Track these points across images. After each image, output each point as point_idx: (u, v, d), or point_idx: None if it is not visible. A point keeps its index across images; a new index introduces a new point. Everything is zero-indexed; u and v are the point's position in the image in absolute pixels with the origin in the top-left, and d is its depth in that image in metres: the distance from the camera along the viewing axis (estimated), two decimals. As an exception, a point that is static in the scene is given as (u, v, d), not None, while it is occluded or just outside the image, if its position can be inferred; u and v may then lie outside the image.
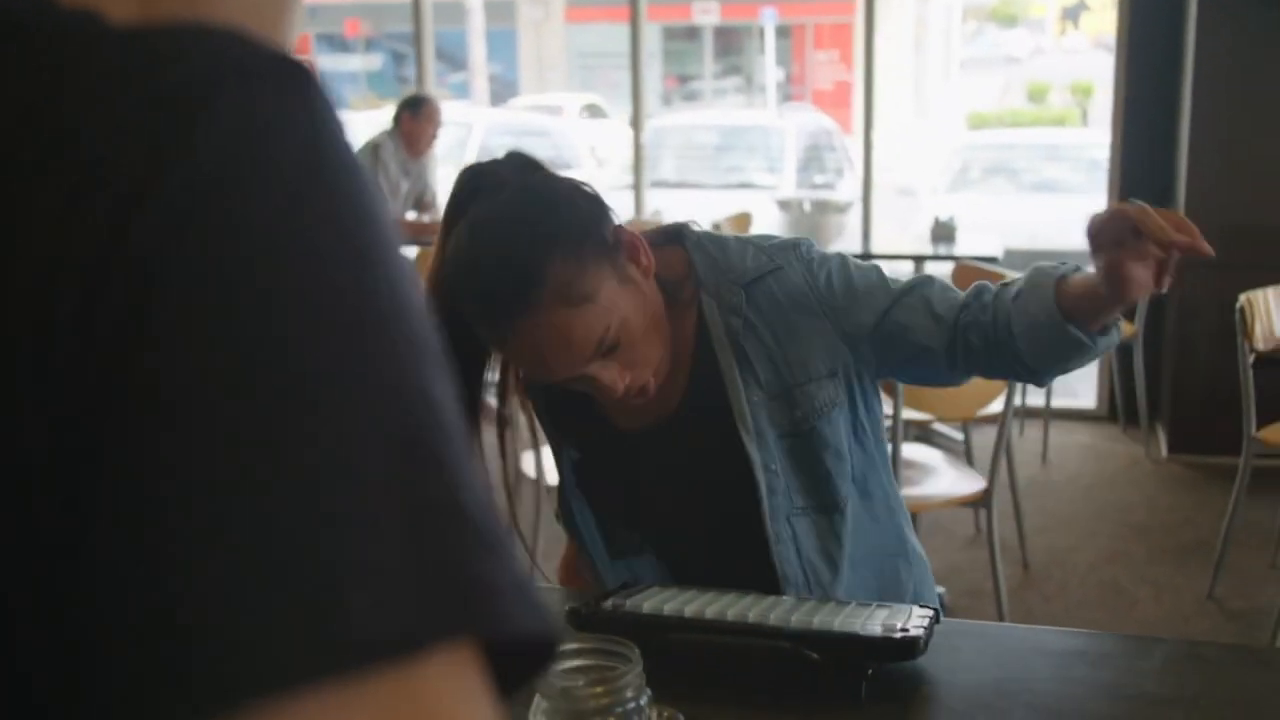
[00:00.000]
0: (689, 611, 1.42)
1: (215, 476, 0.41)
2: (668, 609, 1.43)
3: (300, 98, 0.47)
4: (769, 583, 1.65)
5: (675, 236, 1.73)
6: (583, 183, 1.60)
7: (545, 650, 0.45)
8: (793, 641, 1.36)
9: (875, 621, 1.39)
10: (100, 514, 0.41)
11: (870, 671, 1.35)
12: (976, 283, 1.64)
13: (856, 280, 1.68)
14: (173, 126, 0.44)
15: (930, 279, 1.67)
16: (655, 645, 1.33)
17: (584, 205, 1.56)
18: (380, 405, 0.44)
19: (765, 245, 1.71)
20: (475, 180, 1.57)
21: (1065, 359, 1.57)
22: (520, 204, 1.54)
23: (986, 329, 1.58)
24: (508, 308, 1.51)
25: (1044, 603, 4.11)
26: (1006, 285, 1.60)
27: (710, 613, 1.42)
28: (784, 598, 1.51)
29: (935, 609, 1.45)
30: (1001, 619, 3.59)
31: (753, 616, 1.41)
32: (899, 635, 1.34)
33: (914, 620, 1.39)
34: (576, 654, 1.19)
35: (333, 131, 0.47)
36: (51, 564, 0.42)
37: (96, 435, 0.41)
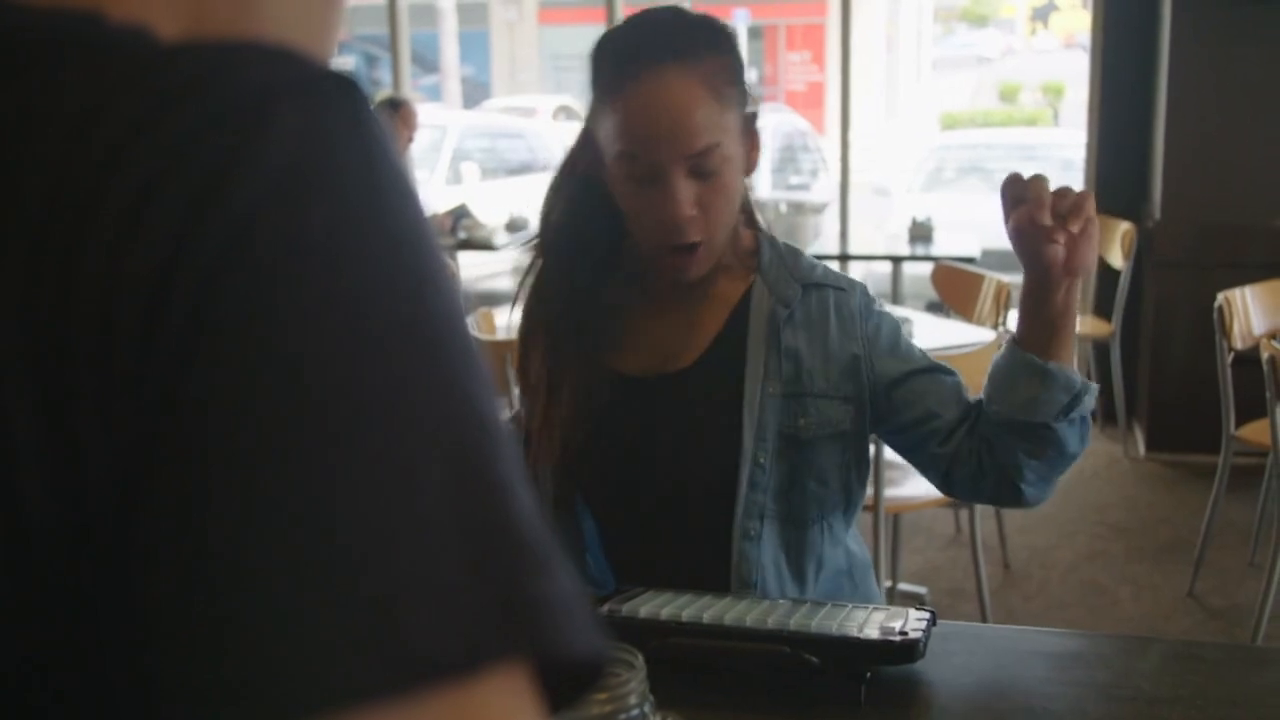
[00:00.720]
0: (687, 616, 1.41)
1: (273, 495, 0.41)
2: (665, 613, 1.42)
3: (351, 113, 0.47)
4: (715, 573, 1.63)
5: (753, 221, 1.75)
6: None
7: (595, 669, 0.45)
8: (792, 645, 1.35)
9: (873, 624, 1.38)
10: (158, 531, 0.41)
11: (869, 675, 1.35)
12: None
13: (901, 338, 1.70)
14: (230, 144, 0.44)
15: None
16: (653, 649, 1.33)
17: (745, 71, 1.62)
18: (436, 425, 0.44)
19: (835, 271, 1.74)
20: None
21: (1035, 405, 1.60)
22: (708, 16, 1.61)
23: (981, 415, 1.65)
24: (661, 48, 1.53)
25: (1024, 602, 4.12)
26: None
27: (708, 617, 1.41)
28: (780, 601, 1.50)
29: (932, 611, 1.45)
30: (984, 618, 3.60)
31: (751, 620, 1.40)
32: (898, 638, 1.34)
33: (912, 623, 1.38)
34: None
35: (384, 147, 0.48)
36: (105, 573, 0.42)
37: (155, 448, 0.42)
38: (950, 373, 1.70)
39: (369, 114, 0.48)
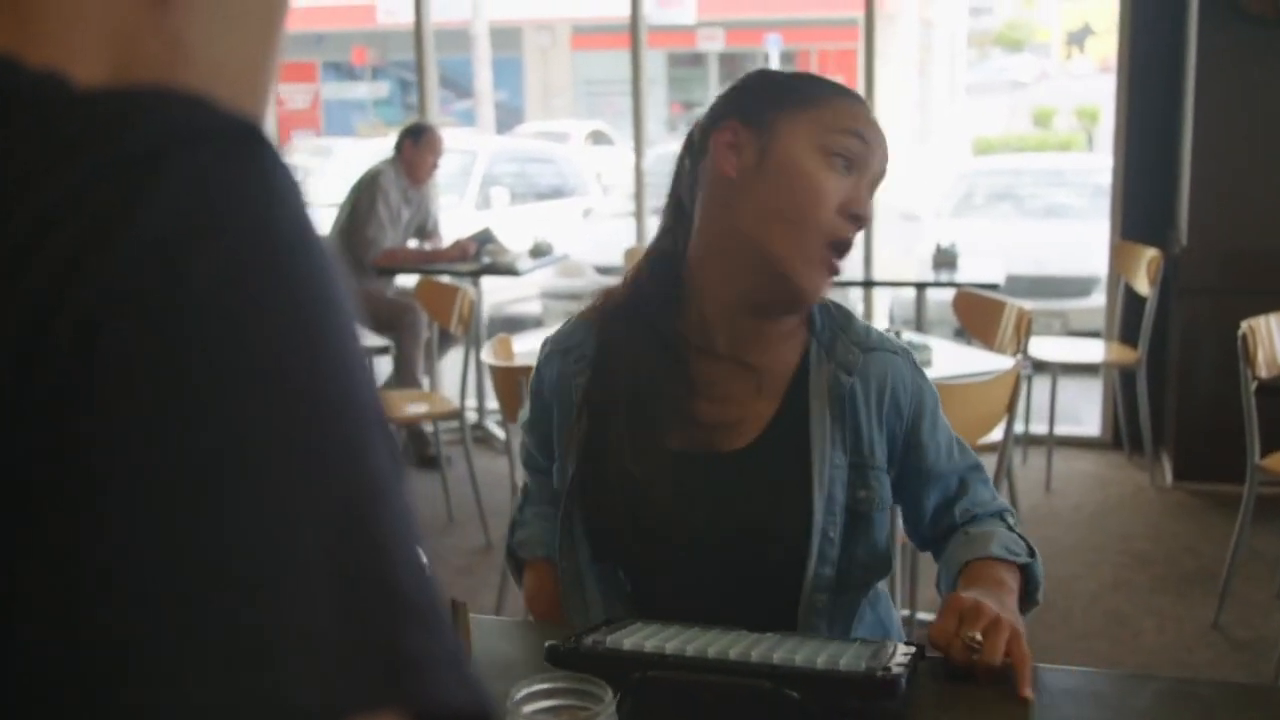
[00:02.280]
0: (670, 648, 1.39)
1: (146, 544, 0.41)
2: (649, 646, 1.40)
3: (254, 163, 0.47)
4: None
5: None
6: None
7: None
8: (773, 680, 1.33)
9: (859, 659, 1.36)
10: (32, 581, 0.41)
11: (851, 710, 1.33)
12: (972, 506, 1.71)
13: (941, 418, 1.72)
14: (121, 193, 0.44)
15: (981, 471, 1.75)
16: (635, 682, 1.31)
17: None
18: (319, 479, 0.44)
19: (884, 334, 1.74)
20: None
21: None
22: None
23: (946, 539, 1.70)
24: (858, 97, 1.68)
25: (1046, 632, 4.07)
26: (970, 529, 1.68)
27: (691, 650, 1.39)
28: (767, 634, 1.47)
29: (919, 646, 1.42)
30: (1003, 649, 3.55)
31: (734, 654, 1.38)
32: (880, 674, 1.31)
33: (897, 658, 1.36)
34: (548, 694, 1.17)
35: (286, 197, 0.47)
36: None
37: (29, 503, 0.41)
38: (966, 471, 1.72)
39: (272, 163, 0.47)
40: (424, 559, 0.47)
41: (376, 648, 0.42)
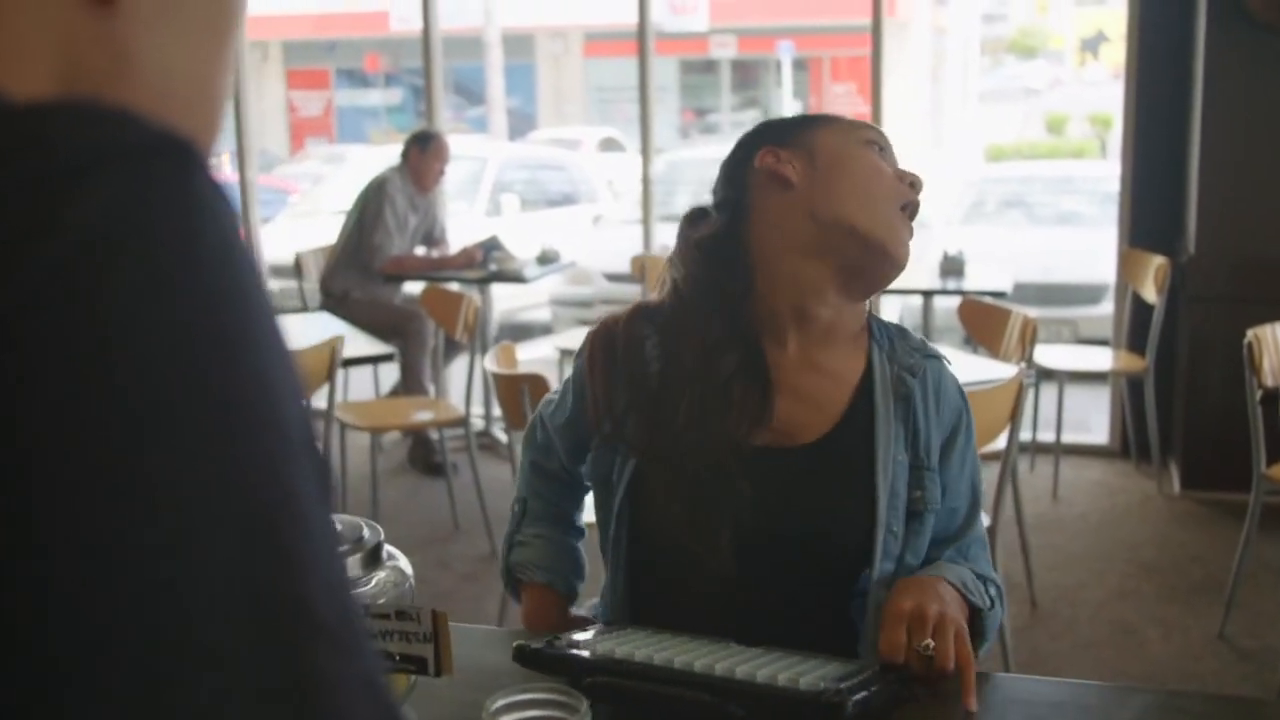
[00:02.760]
0: (638, 656, 1.37)
1: (56, 563, 0.40)
2: (619, 652, 1.38)
3: (178, 180, 0.47)
4: (841, 638, 1.61)
5: None
6: None
7: None
8: (714, 694, 1.30)
9: (822, 679, 1.31)
10: None
11: None
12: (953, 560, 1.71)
13: (971, 445, 1.74)
14: (41, 208, 0.43)
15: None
16: (586, 686, 1.29)
17: None
18: (230, 496, 0.44)
19: (931, 344, 1.79)
20: None
21: None
22: None
23: None
24: None
25: (1051, 641, 4.06)
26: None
27: (659, 659, 1.36)
28: (753, 649, 1.44)
29: (903, 672, 1.39)
30: (1006, 658, 3.54)
31: (699, 666, 1.34)
32: (826, 695, 1.27)
33: (860, 679, 1.32)
34: (524, 705, 1.17)
35: (211, 214, 0.47)
36: None
37: None
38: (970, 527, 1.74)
39: (198, 180, 0.47)
40: (347, 578, 0.47)
41: (282, 669, 0.42)
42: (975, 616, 1.59)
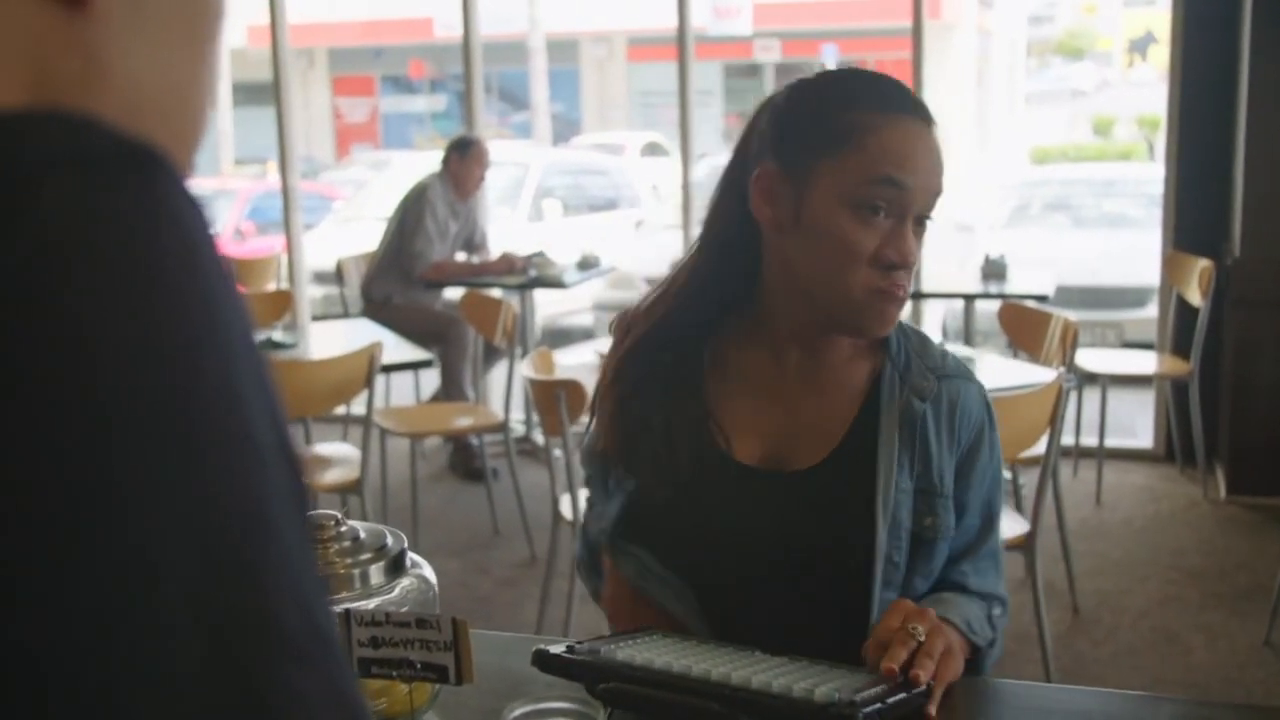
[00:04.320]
0: (657, 664, 1.35)
1: (6, 585, 0.40)
2: (638, 659, 1.36)
3: (138, 188, 0.45)
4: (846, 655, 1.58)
5: None
6: None
7: None
8: (724, 702, 1.28)
9: (836, 691, 1.28)
10: None
11: None
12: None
13: (995, 464, 1.68)
14: None
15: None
16: (599, 692, 1.29)
17: None
18: (192, 512, 0.43)
19: (960, 361, 1.71)
20: None
21: None
22: None
23: None
24: (915, 104, 1.57)
25: (1093, 648, 4.02)
26: (945, 594, 1.64)
27: (678, 667, 1.34)
28: (776, 657, 1.43)
29: (923, 686, 1.36)
30: (1046, 665, 3.51)
31: (715, 675, 1.33)
32: (836, 706, 1.24)
33: (876, 691, 1.30)
34: (542, 714, 1.17)
35: (174, 223, 0.46)
36: None
37: None
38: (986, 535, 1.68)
39: (163, 188, 0.46)
40: (321, 590, 0.46)
41: (248, 684, 0.42)
42: (974, 654, 1.57)
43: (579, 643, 1.42)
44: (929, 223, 1.58)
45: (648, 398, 1.66)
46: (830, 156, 1.54)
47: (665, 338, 1.67)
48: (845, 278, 1.55)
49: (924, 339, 1.69)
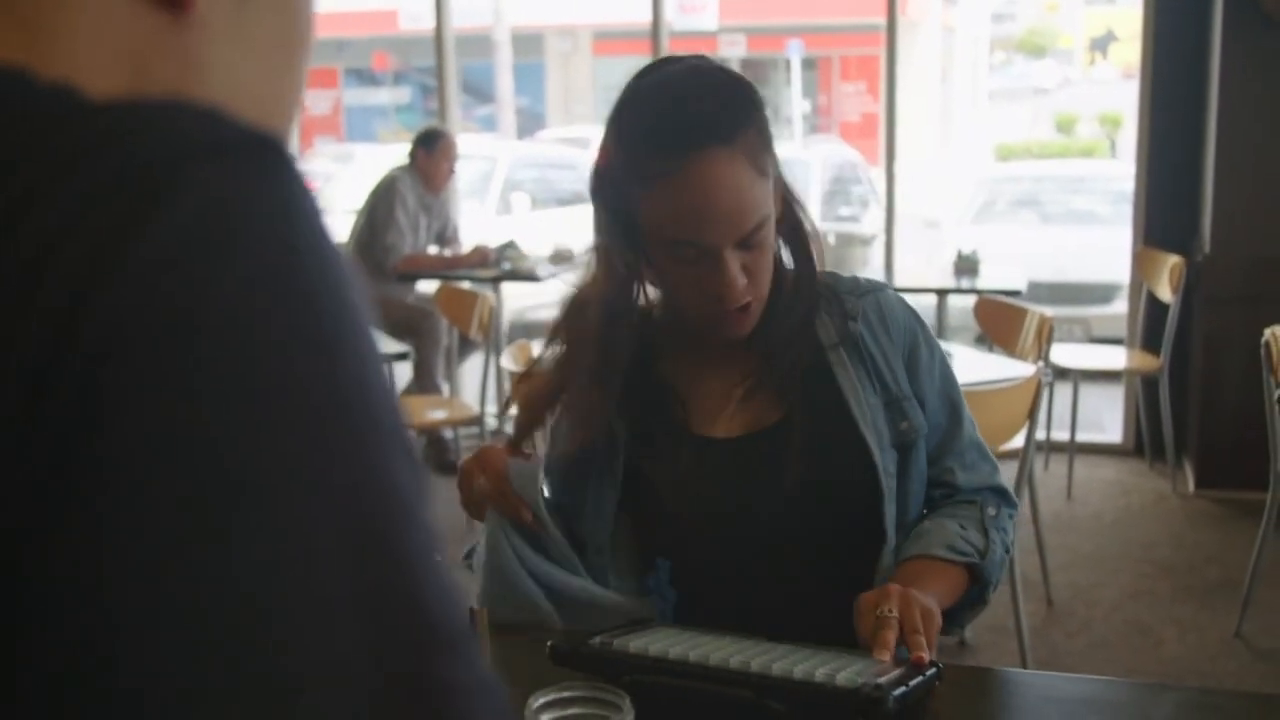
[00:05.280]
0: (673, 654, 1.36)
1: (157, 575, 0.39)
2: (653, 650, 1.37)
3: (271, 175, 0.46)
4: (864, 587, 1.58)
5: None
6: None
7: None
8: (757, 691, 1.29)
9: (859, 675, 1.30)
10: (45, 609, 0.40)
11: None
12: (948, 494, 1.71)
13: (939, 355, 1.72)
14: (137, 202, 0.42)
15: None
16: (626, 685, 1.29)
17: (768, 120, 1.60)
18: (340, 498, 0.43)
19: (872, 279, 1.75)
20: (660, 60, 1.63)
21: None
22: (727, 70, 1.59)
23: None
24: (705, 129, 1.48)
25: (1067, 640, 4.05)
26: (928, 522, 1.67)
27: (694, 656, 1.35)
28: (783, 645, 1.44)
29: (937, 664, 1.38)
30: (1023, 657, 3.54)
31: (735, 663, 1.34)
32: (867, 691, 1.25)
33: (898, 674, 1.31)
34: (567, 703, 1.17)
35: (303, 211, 0.46)
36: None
37: (45, 521, 0.40)
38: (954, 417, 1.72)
39: (289, 176, 0.46)
40: (455, 583, 0.46)
41: (403, 675, 0.41)
42: (970, 570, 1.61)
43: (589, 636, 1.42)
44: (768, 226, 1.56)
45: (602, 387, 1.66)
46: (644, 194, 1.53)
47: (609, 331, 1.66)
48: (683, 306, 1.61)
49: (834, 274, 1.73)
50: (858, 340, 1.65)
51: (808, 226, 1.67)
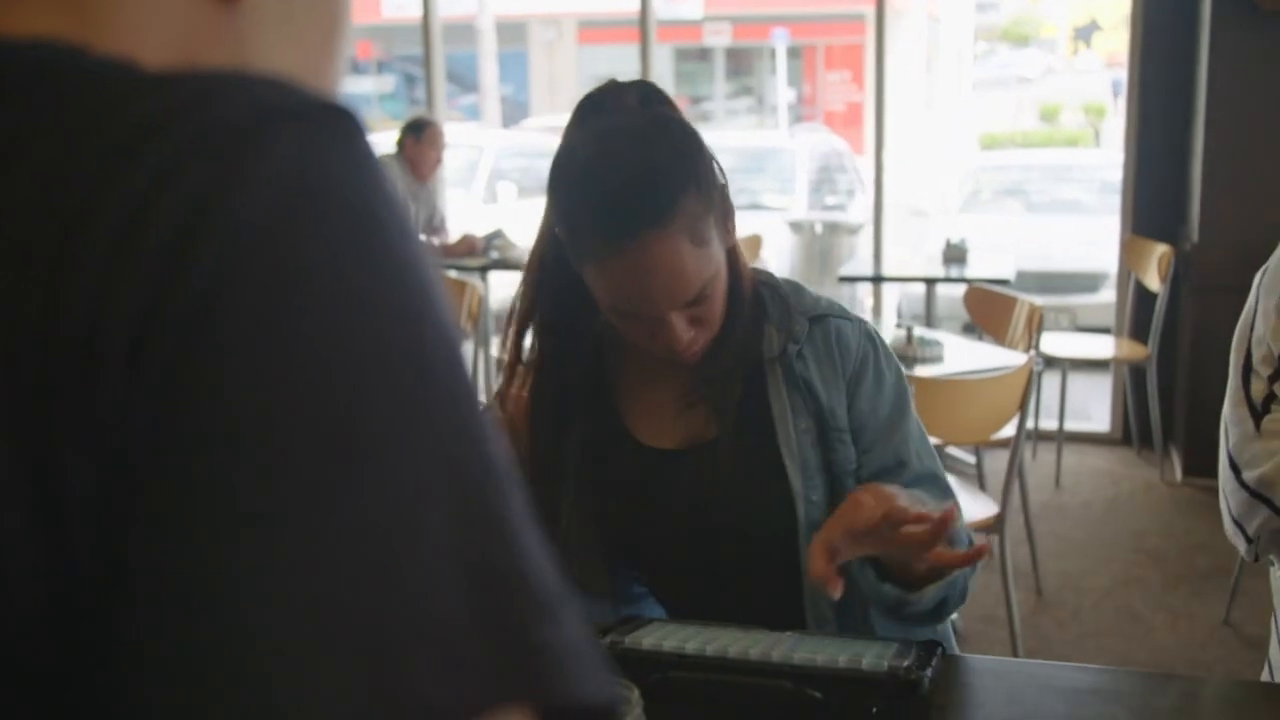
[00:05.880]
0: (691, 648, 1.38)
1: (271, 538, 0.40)
2: (668, 645, 1.39)
3: (348, 140, 0.46)
4: (789, 614, 1.62)
5: (750, 276, 1.71)
6: None
7: (606, 714, 0.44)
8: (794, 680, 1.32)
9: (881, 659, 1.34)
10: (149, 566, 0.40)
11: (875, 710, 1.31)
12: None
13: (895, 396, 1.67)
14: (223, 166, 0.42)
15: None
16: (653, 682, 1.30)
17: (710, 155, 1.55)
18: (438, 464, 0.43)
19: (839, 304, 1.71)
20: (600, 99, 1.56)
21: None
22: (661, 128, 1.52)
23: None
24: (636, 222, 1.46)
25: (1057, 628, 4.06)
26: None
27: (712, 650, 1.38)
28: (785, 634, 1.46)
29: (939, 643, 1.41)
30: (1014, 646, 3.55)
31: (755, 654, 1.36)
32: (904, 674, 1.30)
33: (917, 658, 1.35)
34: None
35: (378, 176, 0.46)
36: (92, 608, 0.41)
37: (145, 480, 0.41)
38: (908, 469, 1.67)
39: (365, 142, 0.47)
40: (549, 550, 0.46)
41: (508, 641, 0.41)
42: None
43: (601, 634, 1.42)
44: (713, 282, 1.55)
45: (555, 401, 1.68)
46: (585, 266, 1.54)
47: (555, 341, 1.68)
48: (634, 344, 1.61)
49: (796, 287, 1.71)
50: (791, 361, 1.64)
51: (740, 258, 1.65)
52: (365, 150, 0.46)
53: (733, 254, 1.61)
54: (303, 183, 0.43)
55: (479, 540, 0.42)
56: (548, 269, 1.62)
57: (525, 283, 1.66)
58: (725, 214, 1.57)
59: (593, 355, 1.70)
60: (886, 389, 1.66)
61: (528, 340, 1.68)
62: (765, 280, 1.70)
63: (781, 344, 1.64)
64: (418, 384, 0.43)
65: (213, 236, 0.41)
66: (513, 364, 1.68)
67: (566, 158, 1.52)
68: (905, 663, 1.32)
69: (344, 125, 0.46)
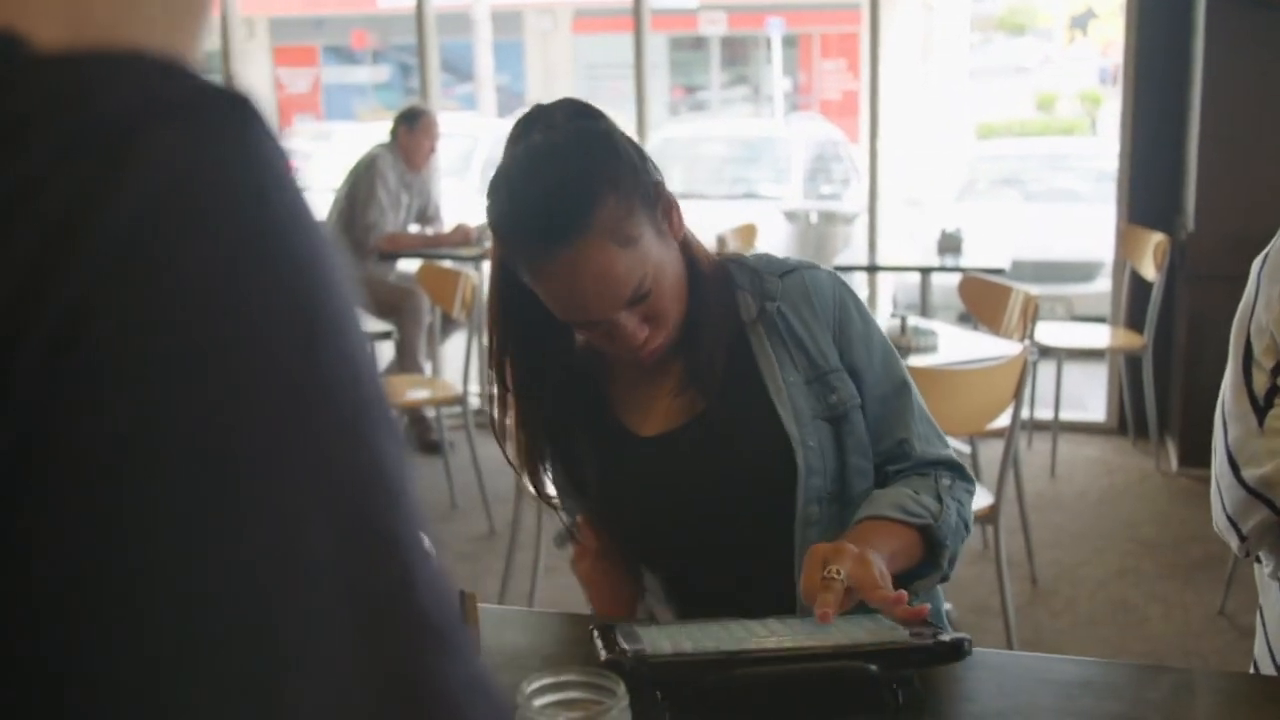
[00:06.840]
0: (688, 648, 1.36)
1: (143, 563, 0.37)
2: (687, 646, 1.37)
3: (241, 135, 0.42)
4: (781, 564, 1.64)
5: (711, 258, 1.75)
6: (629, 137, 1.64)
7: None
8: (847, 659, 1.35)
9: (896, 631, 1.39)
10: (17, 586, 0.37)
11: (904, 681, 1.36)
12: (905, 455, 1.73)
13: (875, 335, 1.73)
14: (95, 171, 0.39)
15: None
16: (714, 683, 1.30)
17: (634, 154, 1.60)
18: (328, 485, 0.40)
19: (802, 259, 1.78)
20: (529, 121, 1.61)
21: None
22: (576, 140, 1.57)
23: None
24: (557, 233, 1.53)
25: (1052, 619, 4.05)
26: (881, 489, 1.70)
27: (728, 647, 1.38)
28: (788, 619, 1.46)
29: (936, 626, 1.43)
30: (1009, 637, 3.54)
31: (789, 643, 1.38)
32: (950, 640, 1.36)
33: (933, 628, 1.40)
34: (559, 687, 1.15)
35: (277, 171, 0.43)
36: None
37: (12, 501, 0.37)
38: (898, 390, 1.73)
39: (261, 135, 0.43)
40: (444, 572, 0.44)
41: (397, 672, 0.39)
42: (924, 534, 1.62)
43: (612, 645, 1.39)
44: (653, 276, 1.58)
45: (545, 400, 1.73)
46: (527, 275, 1.59)
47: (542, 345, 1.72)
48: (604, 349, 1.67)
49: (766, 256, 1.79)
50: (772, 318, 1.69)
51: (694, 244, 1.69)
52: (261, 143, 0.43)
53: (684, 243, 1.66)
54: (184, 185, 0.40)
55: (369, 567, 0.40)
56: (506, 299, 1.67)
57: (490, 321, 1.71)
58: (664, 209, 1.62)
59: (578, 367, 1.74)
60: (872, 331, 1.73)
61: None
62: (731, 258, 1.76)
63: (758, 305, 1.70)
64: (305, 401, 0.41)
65: (79, 248, 0.38)
66: (502, 399, 1.73)
67: (493, 183, 1.60)
68: (917, 632, 1.38)
69: (237, 117, 0.43)
